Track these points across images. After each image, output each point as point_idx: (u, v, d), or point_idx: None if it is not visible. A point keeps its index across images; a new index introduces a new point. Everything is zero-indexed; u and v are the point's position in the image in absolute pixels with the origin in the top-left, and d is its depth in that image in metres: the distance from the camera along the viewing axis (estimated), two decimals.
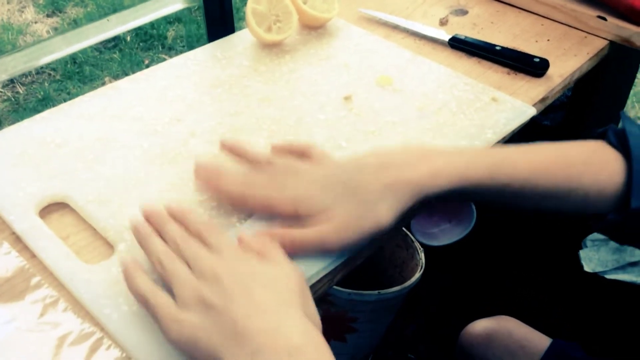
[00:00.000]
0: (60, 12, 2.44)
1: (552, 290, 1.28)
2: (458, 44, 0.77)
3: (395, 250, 1.10)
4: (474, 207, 1.11)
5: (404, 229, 1.05)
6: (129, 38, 2.29)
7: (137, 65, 2.17)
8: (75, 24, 2.36)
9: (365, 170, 0.49)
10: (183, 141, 0.61)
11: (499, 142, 0.64)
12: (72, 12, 2.44)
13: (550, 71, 0.73)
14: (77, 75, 2.13)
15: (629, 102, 1.97)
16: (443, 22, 0.84)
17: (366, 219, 0.47)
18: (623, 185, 0.50)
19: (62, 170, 0.57)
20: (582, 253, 1.32)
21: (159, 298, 0.42)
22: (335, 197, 0.48)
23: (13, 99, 2.03)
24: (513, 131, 0.65)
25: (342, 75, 0.72)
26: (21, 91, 2.06)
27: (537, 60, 0.73)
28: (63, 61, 2.15)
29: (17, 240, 0.51)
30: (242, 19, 2.02)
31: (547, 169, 0.50)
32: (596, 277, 1.28)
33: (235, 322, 0.39)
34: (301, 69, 0.73)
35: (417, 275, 1.01)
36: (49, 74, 2.14)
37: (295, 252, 0.47)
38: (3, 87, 2.06)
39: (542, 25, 0.84)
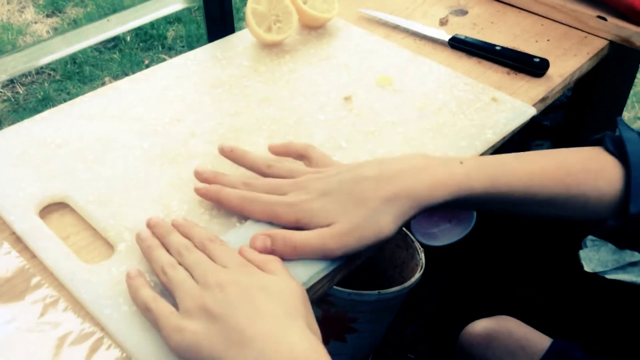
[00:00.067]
0: (60, 12, 2.44)
1: (552, 290, 1.28)
2: (458, 44, 0.77)
3: (395, 250, 1.10)
4: None
5: (404, 228, 1.05)
6: (128, 38, 2.29)
7: (137, 66, 2.17)
8: (75, 24, 2.36)
9: (366, 183, 0.49)
10: (183, 141, 0.61)
11: (499, 142, 0.64)
12: (72, 12, 2.44)
13: (550, 71, 0.73)
14: (77, 76, 2.13)
15: (629, 102, 1.97)
16: (443, 22, 0.84)
17: (368, 228, 0.47)
18: (621, 191, 0.51)
19: (62, 170, 0.57)
20: (582, 253, 1.32)
21: (161, 306, 0.42)
22: (337, 208, 0.48)
23: (13, 99, 2.03)
24: (513, 131, 0.65)
25: (342, 75, 0.72)
26: (21, 91, 2.06)
27: (537, 60, 0.73)
28: (63, 61, 2.15)
29: (17, 241, 0.51)
30: (242, 19, 2.02)
31: (546, 177, 0.51)
32: (596, 277, 1.28)
33: (239, 328, 0.39)
34: (301, 69, 0.73)
35: (417, 275, 1.01)
36: (49, 74, 2.14)
37: (296, 255, 0.48)
38: (3, 87, 2.06)
39: (542, 25, 0.84)
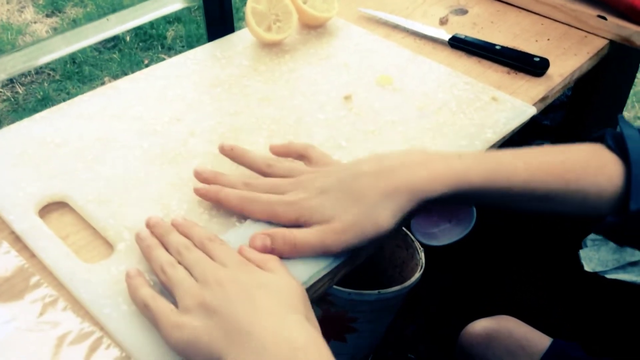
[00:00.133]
0: (59, 12, 2.44)
1: (552, 290, 1.28)
2: (458, 44, 0.77)
3: (395, 250, 1.10)
4: (474, 207, 1.11)
5: (404, 228, 1.05)
6: (128, 38, 2.29)
7: (136, 65, 2.17)
8: (75, 23, 2.36)
9: (364, 178, 0.49)
10: (183, 141, 0.61)
11: (499, 141, 0.64)
12: (72, 12, 2.44)
13: (550, 70, 0.73)
14: (76, 75, 2.13)
15: (629, 102, 1.97)
16: (443, 22, 0.84)
17: (367, 223, 0.47)
18: (622, 188, 0.51)
19: (61, 170, 0.57)
20: (582, 253, 1.32)
21: (161, 304, 0.42)
22: (336, 205, 0.48)
23: (12, 99, 2.03)
24: (513, 131, 0.65)
25: (342, 74, 0.72)
26: (21, 91, 2.06)
27: (537, 59, 0.73)
28: (62, 61, 2.15)
29: (17, 240, 0.50)
30: (242, 18, 2.02)
31: (546, 173, 0.50)
32: (596, 277, 1.28)
33: (238, 323, 0.39)
34: (301, 69, 0.73)
35: (417, 275, 1.01)
36: (49, 74, 2.14)
37: (296, 253, 0.48)
38: (2, 87, 2.06)
39: (542, 24, 0.84)
